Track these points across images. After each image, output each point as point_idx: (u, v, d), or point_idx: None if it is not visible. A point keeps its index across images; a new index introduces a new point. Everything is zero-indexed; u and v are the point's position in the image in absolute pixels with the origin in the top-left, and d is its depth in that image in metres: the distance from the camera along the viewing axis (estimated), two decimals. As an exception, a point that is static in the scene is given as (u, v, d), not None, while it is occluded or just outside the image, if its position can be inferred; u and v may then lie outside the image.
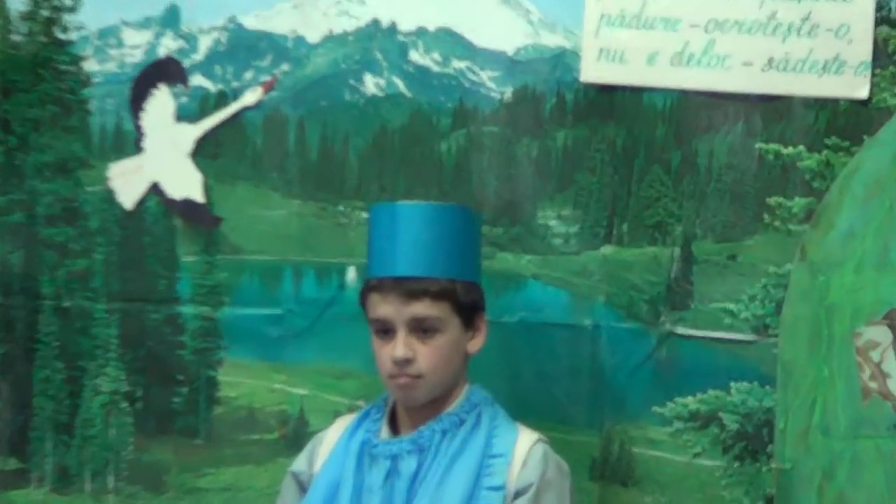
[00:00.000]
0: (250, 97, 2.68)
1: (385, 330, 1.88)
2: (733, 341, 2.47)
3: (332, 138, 2.65)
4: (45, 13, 2.65)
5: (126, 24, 2.71)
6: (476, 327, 1.97)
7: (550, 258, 2.60)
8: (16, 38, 2.63)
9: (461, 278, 1.92)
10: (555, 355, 2.58)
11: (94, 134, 2.70)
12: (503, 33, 2.57)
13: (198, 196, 2.68)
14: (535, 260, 2.62)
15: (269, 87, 2.64)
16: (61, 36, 2.69)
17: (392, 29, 2.62)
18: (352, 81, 2.65)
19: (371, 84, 2.66)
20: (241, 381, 2.70)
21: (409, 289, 1.84)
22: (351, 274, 2.66)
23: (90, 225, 2.70)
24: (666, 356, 2.54)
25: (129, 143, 2.72)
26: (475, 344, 1.98)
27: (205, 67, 2.68)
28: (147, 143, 2.69)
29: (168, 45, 2.72)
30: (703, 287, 2.53)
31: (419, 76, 2.63)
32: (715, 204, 2.52)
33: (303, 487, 2.02)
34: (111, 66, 2.69)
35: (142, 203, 2.70)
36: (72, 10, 2.67)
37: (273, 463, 2.63)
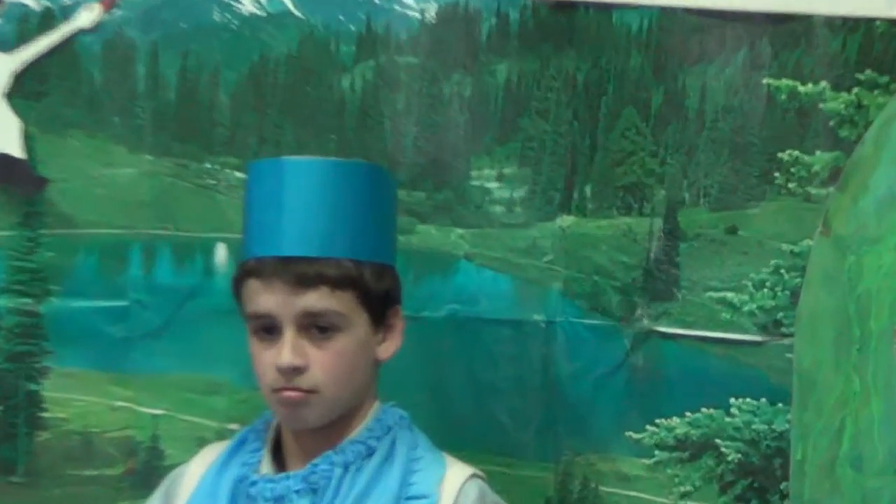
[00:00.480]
0: (85, 17, 2.32)
1: (267, 328, 1.61)
2: (734, 343, 2.29)
3: (196, 72, 2.33)
4: None
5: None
6: (389, 325, 1.70)
7: (489, 233, 2.36)
8: None
9: (370, 259, 1.66)
10: (495, 362, 2.35)
11: None
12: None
13: (14, 150, 2.30)
14: (469, 235, 2.37)
15: (109, 4, 2.31)
16: None
17: (276, -74, 2.27)
18: (222, -5, 2.25)
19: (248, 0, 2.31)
20: (72, 398, 2.35)
21: (299, 274, 1.57)
22: (220, 253, 2.34)
23: None
24: (644, 363, 2.33)
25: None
26: (388, 348, 1.71)
27: (24, -24, 2.23)
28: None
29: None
30: (694, 271, 2.32)
31: (313, -11, 2.25)
32: (709, 160, 2.31)
33: (157, 539, 1.69)
34: None
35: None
36: None
37: (116, 507, 2.21)
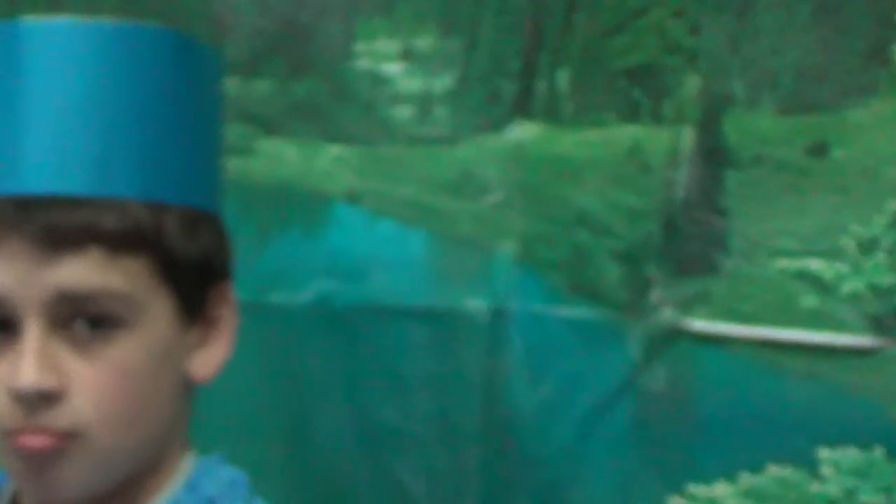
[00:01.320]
0: None
1: None
2: (825, 350, 2.03)
3: None
4: None
5: None
6: (211, 318, 1.19)
7: (388, 154, 2.16)
8: None
9: (177, 202, 1.17)
10: (401, 385, 2.15)
11: None
12: None
13: None
14: (353, 158, 2.16)
15: None
16: None
17: None
18: None
19: None
20: None
21: (51, 226, 1.10)
22: None
23: None
24: (665, 386, 2.10)
25: None
26: (209, 358, 1.20)
27: None
28: None
29: None
30: (753, 221, 2.07)
31: None
32: (777, 24, 2.09)
33: None
34: None
35: None
36: None
37: None
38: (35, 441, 1.12)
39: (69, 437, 1.13)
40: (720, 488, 2.08)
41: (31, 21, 1.21)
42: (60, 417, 1.12)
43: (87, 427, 1.12)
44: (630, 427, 2.14)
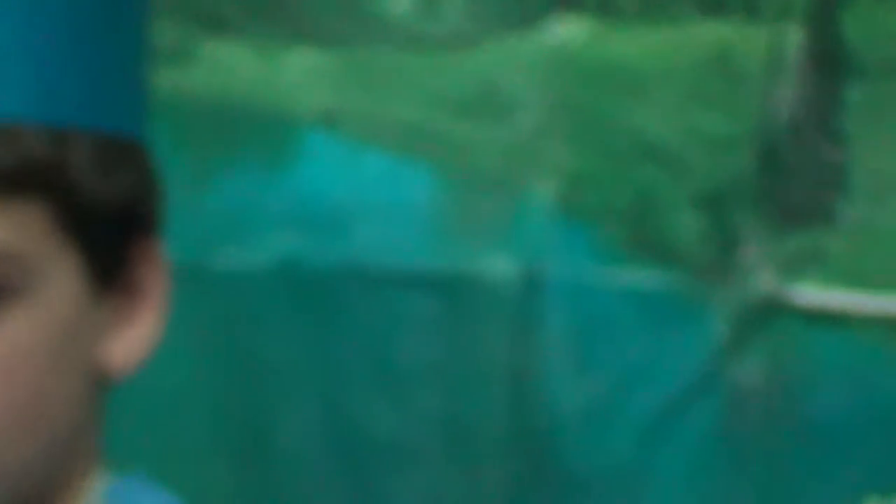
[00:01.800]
0: None
1: None
2: None
3: None
4: None
5: None
6: (133, 286, 0.83)
7: (380, 61, 1.93)
8: None
9: (88, 126, 0.80)
10: (398, 375, 1.89)
11: None
12: None
13: None
14: (332, 66, 1.93)
15: None
16: None
17: None
18: None
19: None
20: None
21: None
22: None
23: None
24: (763, 378, 1.85)
25: None
26: (132, 342, 0.83)
27: None
28: None
29: None
30: (880, 151, 1.87)
31: None
32: None
33: None
34: None
35: None
36: None
37: None
38: None
39: None
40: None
41: None
42: None
43: None
44: (714, 434, 1.90)
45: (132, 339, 1.08)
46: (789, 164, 1.91)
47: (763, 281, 1.89)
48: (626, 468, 1.91)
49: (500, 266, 1.91)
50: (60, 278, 1.02)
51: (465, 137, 1.96)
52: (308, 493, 1.97)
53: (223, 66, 1.99)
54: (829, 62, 1.91)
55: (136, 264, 1.07)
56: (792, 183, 1.93)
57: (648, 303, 1.91)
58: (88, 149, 1.04)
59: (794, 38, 1.90)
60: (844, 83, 1.91)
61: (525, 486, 1.94)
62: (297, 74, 1.99)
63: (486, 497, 1.94)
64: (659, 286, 1.91)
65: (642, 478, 1.91)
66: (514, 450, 1.93)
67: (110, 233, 1.05)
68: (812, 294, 1.90)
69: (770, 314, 1.90)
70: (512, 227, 1.94)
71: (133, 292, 1.07)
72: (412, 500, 1.95)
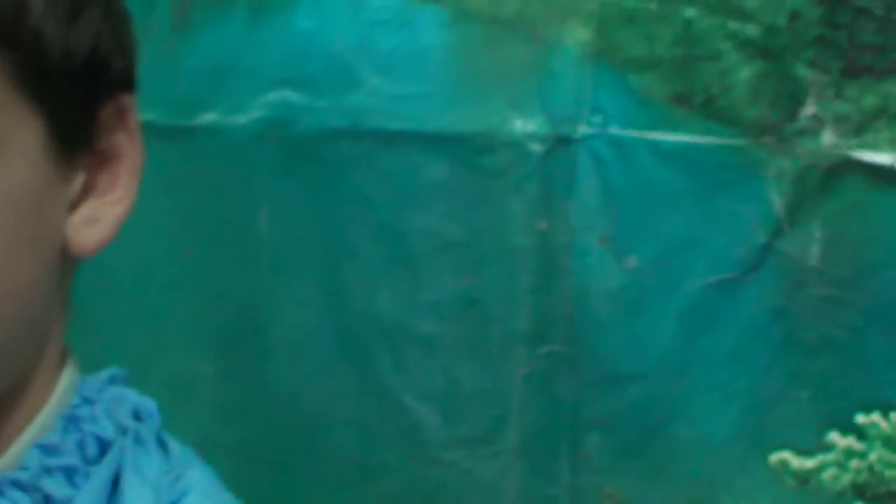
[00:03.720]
0: None
1: None
2: None
3: None
4: None
5: None
6: (102, 151, 0.84)
7: None
8: None
9: None
10: (407, 255, 1.79)
11: None
12: None
13: None
14: None
15: None
16: None
17: None
18: None
19: None
20: None
21: None
22: None
23: None
24: (824, 255, 1.74)
25: None
26: (101, 214, 0.85)
27: None
28: None
29: None
30: None
31: None
32: None
33: None
34: None
35: None
36: None
37: None
38: None
39: None
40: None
41: None
42: None
43: None
44: (768, 318, 1.75)
45: (103, 212, 0.98)
46: (858, 6, 1.76)
47: (827, 141, 1.76)
48: (667, 356, 1.78)
49: (524, 125, 1.77)
50: (19, 144, 0.92)
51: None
52: (305, 385, 1.84)
53: None
54: None
55: (106, 127, 0.98)
56: (860, 28, 1.77)
57: (695, 166, 1.75)
58: (48, -8, 0.98)
59: None
60: None
61: (551, 377, 1.80)
62: None
63: (506, 393, 1.83)
64: (706, 147, 1.76)
65: (685, 367, 1.78)
66: (539, 337, 1.81)
67: (75, 91, 0.94)
68: (882, 155, 1.75)
69: (835, 178, 1.76)
70: (538, 80, 1.79)
71: (104, 159, 0.98)
72: (423, 397, 1.84)
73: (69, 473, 0.97)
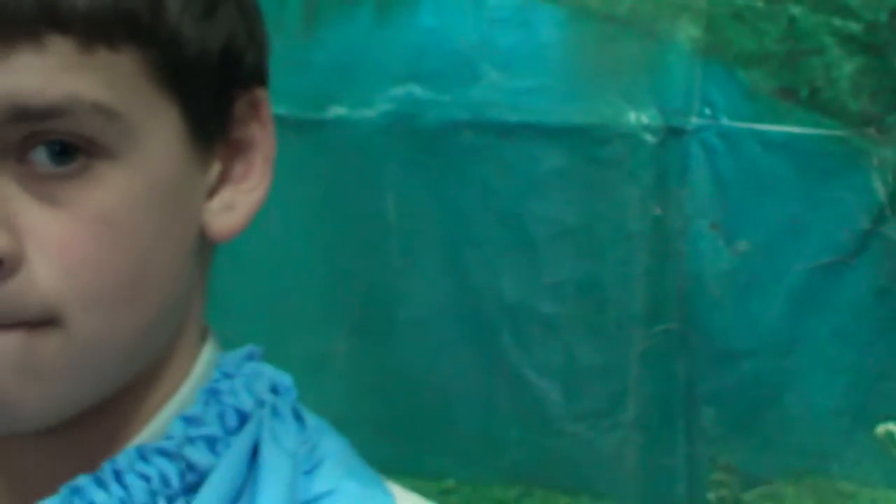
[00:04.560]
0: None
1: None
2: None
3: None
4: None
5: None
6: (237, 141, 1.02)
7: None
8: None
9: None
10: (528, 241, 1.85)
11: None
12: None
13: None
14: None
15: None
16: None
17: None
18: None
19: None
20: None
21: None
22: None
23: None
24: None
25: None
26: (237, 202, 1.03)
27: None
28: None
29: None
30: None
31: None
32: None
33: None
34: None
35: None
36: None
37: None
38: None
39: (38, 329, 0.94)
40: None
41: None
42: (16, 297, 0.94)
43: (63, 308, 0.94)
44: (872, 298, 1.82)
45: (238, 199, 1.01)
46: None
47: None
48: (776, 334, 1.84)
49: (637, 117, 1.85)
50: (159, 136, 0.94)
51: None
52: (432, 364, 1.92)
53: None
54: None
55: (240, 119, 0.99)
56: None
57: (801, 157, 1.83)
58: (186, -7, 1.01)
59: None
60: None
61: (667, 356, 1.87)
62: None
63: (623, 369, 1.89)
64: (813, 139, 1.82)
65: (794, 346, 1.85)
66: (655, 317, 1.88)
67: (211, 85, 0.96)
68: None
69: None
70: (652, 76, 1.86)
71: (239, 149, 1.00)
72: (545, 373, 1.91)
73: (211, 443, 1.01)
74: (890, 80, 1.80)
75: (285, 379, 1.07)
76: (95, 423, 1.03)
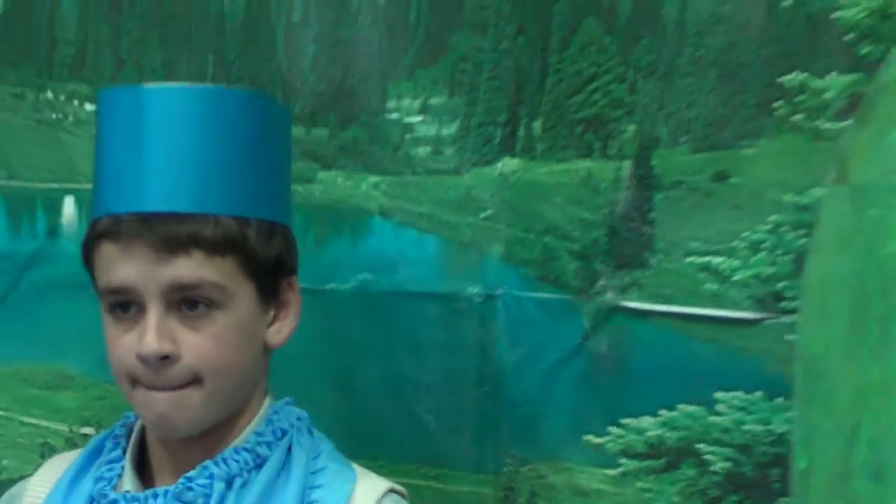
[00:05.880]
0: None
1: (125, 306, 1.59)
2: (721, 322, 2.21)
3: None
4: None
5: None
6: (281, 302, 1.70)
7: (410, 181, 2.38)
8: None
9: (256, 217, 1.64)
10: (420, 348, 2.39)
11: None
12: None
13: None
14: (385, 185, 2.40)
15: None
16: None
17: None
18: None
19: None
20: None
21: (166, 235, 1.55)
22: (68, 209, 2.35)
23: None
24: (607, 348, 2.30)
25: None
26: (281, 330, 1.70)
27: None
28: None
29: None
30: (672, 229, 2.26)
31: None
32: (691, 86, 2.22)
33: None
34: None
35: None
36: None
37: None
38: (161, 395, 1.55)
39: (189, 384, 1.55)
40: (645, 420, 2.29)
41: (153, 85, 1.59)
42: (176, 374, 1.56)
43: (202, 375, 1.56)
44: (581, 377, 2.32)
45: (282, 330, 1.60)
46: (623, 236, 2.31)
47: (608, 297, 2.33)
48: (537, 395, 2.36)
49: (473, 289, 2.41)
50: (244, 298, 1.54)
51: (455, 222, 2.39)
52: (373, 409, 2.40)
53: (329, 184, 2.41)
54: (645, 182, 2.29)
55: (284, 290, 1.58)
56: (624, 246, 2.32)
57: (548, 308, 2.34)
58: (258, 228, 1.54)
59: (627, 168, 2.30)
60: (652, 193, 2.28)
61: (486, 404, 2.38)
62: (368, 189, 2.42)
63: (465, 410, 2.37)
64: (554, 299, 2.35)
65: (544, 400, 2.34)
66: (480, 385, 2.39)
67: (270, 273, 1.56)
68: (633, 303, 2.30)
69: (611, 314, 2.33)
70: (479, 270, 2.39)
71: (282, 304, 1.59)
72: (428, 412, 2.40)
73: (268, 444, 1.63)
74: (590, 271, 2.32)
75: (303, 413, 1.72)
76: (213, 434, 1.62)
